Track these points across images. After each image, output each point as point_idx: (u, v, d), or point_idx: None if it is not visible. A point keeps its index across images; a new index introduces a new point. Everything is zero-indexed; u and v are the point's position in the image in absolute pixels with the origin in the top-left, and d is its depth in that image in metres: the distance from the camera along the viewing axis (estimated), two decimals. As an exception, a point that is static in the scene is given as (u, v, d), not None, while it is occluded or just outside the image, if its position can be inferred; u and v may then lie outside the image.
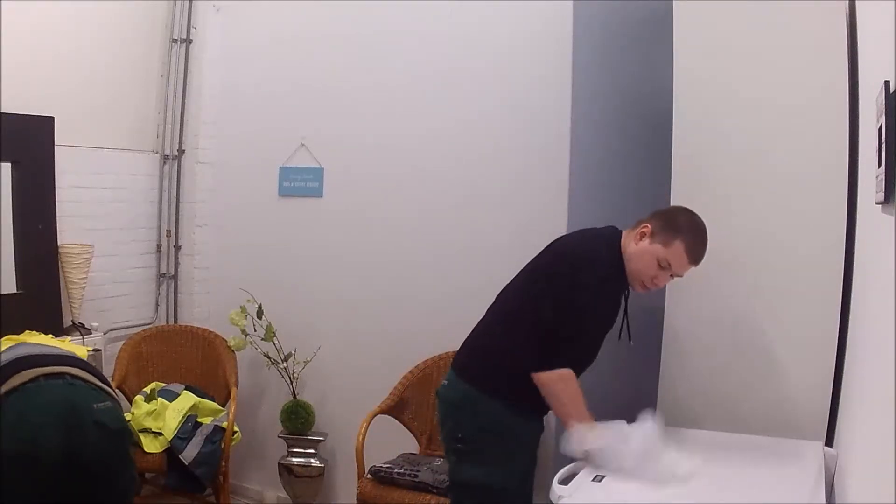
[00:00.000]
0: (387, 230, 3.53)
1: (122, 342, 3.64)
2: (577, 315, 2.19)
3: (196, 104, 3.92)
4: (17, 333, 2.89)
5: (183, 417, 3.27)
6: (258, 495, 3.88)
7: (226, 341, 3.65)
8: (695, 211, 2.28)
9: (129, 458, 2.50)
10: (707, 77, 2.55)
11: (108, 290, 3.70)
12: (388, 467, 2.98)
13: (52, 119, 3.32)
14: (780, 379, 2.44)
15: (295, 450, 3.59)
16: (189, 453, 3.19)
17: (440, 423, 2.44)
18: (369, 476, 3.02)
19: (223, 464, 3.33)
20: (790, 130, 2.44)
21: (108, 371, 3.43)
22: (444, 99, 3.39)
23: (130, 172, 3.82)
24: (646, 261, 2.22)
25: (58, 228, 3.36)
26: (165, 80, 3.93)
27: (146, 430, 3.23)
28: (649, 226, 2.23)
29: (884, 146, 1.44)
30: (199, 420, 3.33)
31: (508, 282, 2.41)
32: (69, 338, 3.24)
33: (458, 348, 2.44)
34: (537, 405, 2.23)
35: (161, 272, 3.96)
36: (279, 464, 3.60)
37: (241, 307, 3.57)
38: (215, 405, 3.45)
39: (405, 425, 3.30)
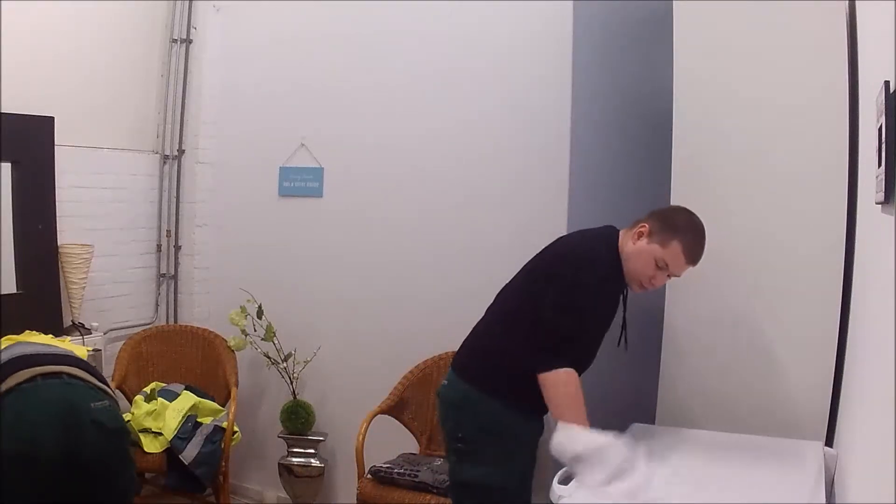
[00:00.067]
0: (387, 230, 3.53)
1: (122, 342, 3.64)
2: (577, 315, 2.18)
3: (196, 104, 3.92)
4: (17, 333, 2.89)
5: (183, 417, 3.27)
6: (258, 495, 3.88)
7: (226, 341, 3.65)
8: (694, 211, 2.27)
9: (128, 458, 2.49)
10: (707, 77, 2.55)
11: (108, 290, 3.70)
12: (388, 467, 2.98)
13: (52, 119, 3.32)
14: (780, 379, 2.44)
15: (295, 450, 3.59)
16: (189, 453, 3.19)
17: (441, 423, 2.44)
18: (369, 476, 3.02)
19: (223, 464, 3.33)
20: (790, 130, 2.44)
21: (108, 371, 3.43)
22: (444, 99, 3.39)
23: (130, 172, 3.82)
24: (643, 261, 2.21)
25: (58, 228, 3.36)
26: (165, 80, 3.93)
27: (146, 430, 3.23)
28: (647, 225, 2.23)
29: (884, 146, 1.44)
30: (199, 420, 3.33)
31: (508, 282, 2.41)
32: (69, 338, 3.24)
33: (458, 348, 2.44)
34: (537, 405, 2.23)
35: (161, 272, 3.96)
36: (279, 464, 3.60)
37: (241, 307, 3.57)
38: (215, 405, 3.45)
39: (405, 425, 3.30)
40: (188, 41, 3.91)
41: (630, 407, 2.73)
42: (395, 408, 3.24)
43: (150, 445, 3.18)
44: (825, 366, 2.36)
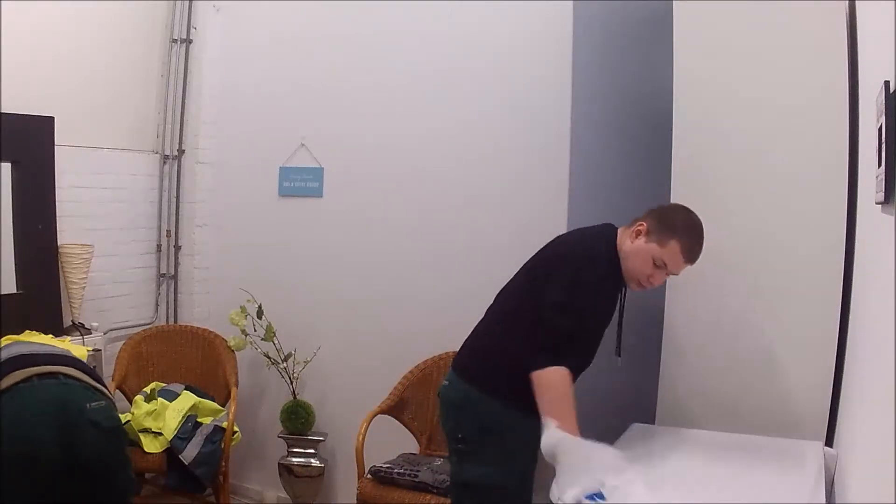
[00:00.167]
0: (387, 230, 3.53)
1: (122, 342, 3.64)
2: (577, 314, 2.18)
3: (196, 104, 3.92)
4: (17, 333, 2.89)
5: (183, 417, 3.27)
6: (258, 495, 3.88)
7: (226, 341, 3.65)
8: (694, 211, 2.27)
9: (126, 458, 2.49)
10: (707, 77, 2.55)
11: (108, 290, 3.70)
12: (388, 467, 2.98)
13: (52, 119, 3.32)
14: (780, 379, 2.44)
15: (295, 450, 3.59)
16: (189, 453, 3.19)
17: (441, 424, 2.44)
18: (369, 476, 3.02)
19: (223, 464, 3.33)
20: (790, 130, 2.44)
21: (108, 371, 3.43)
22: (444, 99, 3.39)
23: (130, 172, 3.82)
24: (641, 260, 2.21)
25: (58, 228, 3.36)
26: (165, 80, 3.93)
27: (146, 430, 3.23)
28: (645, 224, 2.22)
29: (884, 146, 1.44)
30: (199, 420, 3.33)
31: (507, 281, 2.41)
32: (69, 338, 3.24)
33: (458, 348, 2.43)
34: (537, 405, 2.22)
35: (161, 272, 3.96)
36: (279, 464, 3.60)
37: (241, 307, 3.57)
38: (215, 405, 3.45)
39: (405, 425, 3.30)
40: (188, 41, 3.91)
41: (630, 407, 2.73)
42: (395, 408, 3.24)
43: (150, 445, 3.18)
44: (825, 366, 2.36)
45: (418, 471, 2.93)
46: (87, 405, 2.33)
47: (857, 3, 2.33)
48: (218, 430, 3.31)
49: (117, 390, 3.39)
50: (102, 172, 3.65)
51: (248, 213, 3.88)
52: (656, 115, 2.77)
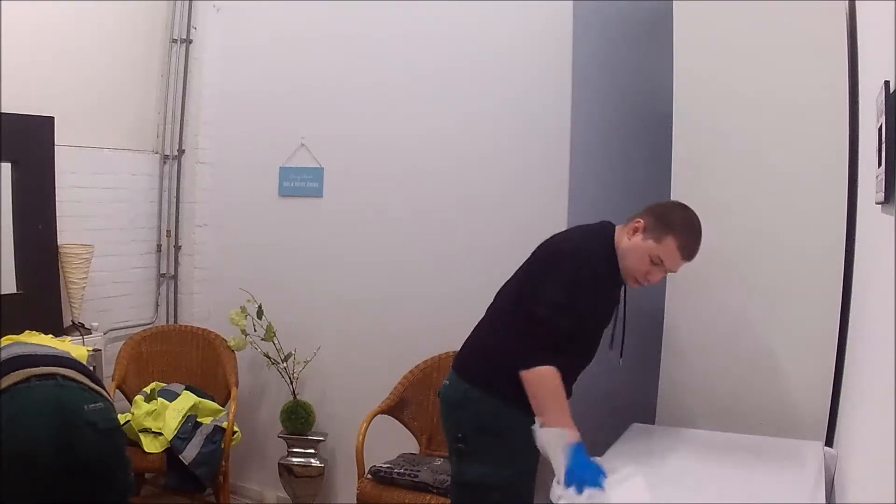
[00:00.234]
0: (387, 230, 3.53)
1: (122, 342, 3.64)
2: (577, 313, 2.18)
3: (196, 104, 3.92)
4: (17, 333, 2.89)
5: (183, 417, 3.27)
6: (258, 495, 3.88)
7: (226, 341, 3.65)
8: (694, 210, 2.27)
9: (125, 460, 2.48)
10: (707, 77, 2.55)
11: (108, 290, 3.70)
12: (388, 467, 2.98)
13: (52, 119, 3.32)
14: (780, 379, 2.44)
15: (295, 450, 3.59)
16: (189, 453, 3.19)
17: (442, 424, 2.44)
18: (369, 476, 3.01)
19: (223, 464, 3.33)
20: (790, 130, 2.44)
21: (108, 371, 3.43)
22: (444, 99, 3.39)
23: (130, 172, 3.82)
24: (638, 256, 2.20)
25: (58, 228, 3.37)
26: (165, 80, 3.93)
27: (146, 430, 3.23)
28: (642, 221, 2.21)
29: (884, 146, 1.44)
30: (199, 420, 3.33)
31: (506, 280, 2.41)
32: (69, 338, 3.24)
33: (458, 348, 2.43)
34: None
35: (161, 272, 3.96)
36: (279, 464, 3.60)
37: (241, 307, 3.57)
38: (215, 405, 3.45)
39: (405, 425, 3.30)
40: (188, 41, 3.91)
41: (630, 407, 2.73)
42: (395, 408, 3.24)
43: (150, 445, 3.18)
44: (825, 366, 2.35)
45: (418, 471, 2.93)
46: (86, 407, 2.33)
47: (857, 3, 2.33)
48: (218, 430, 3.31)
49: (117, 390, 3.39)
50: (102, 172, 3.66)
51: (247, 213, 3.88)
52: (656, 115, 2.77)
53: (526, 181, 3.21)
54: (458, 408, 2.33)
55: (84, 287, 3.43)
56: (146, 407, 3.30)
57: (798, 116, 2.42)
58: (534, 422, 2.19)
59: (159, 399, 3.34)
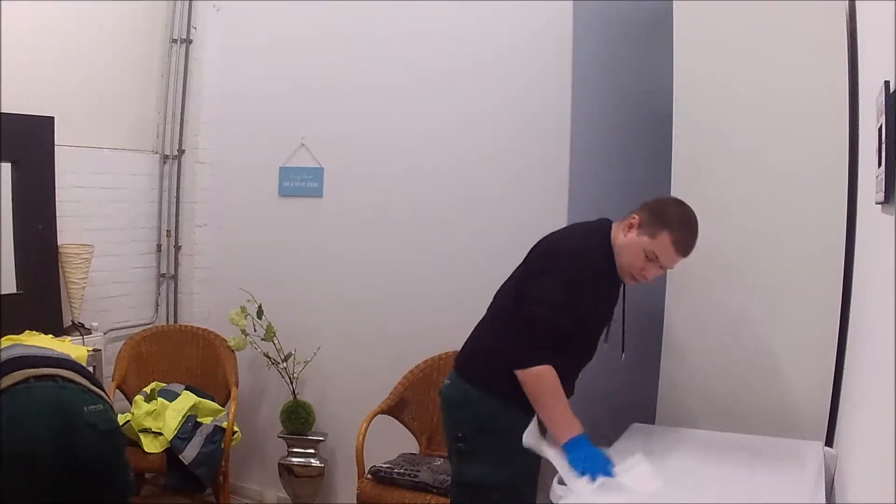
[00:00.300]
0: (387, 230, 3.53)
1: (122, 342, 3.64)
2: (576, 312, 2.18)
3: (196, 104, 3.92)
4: (17, 333, 2.89)
5: (183, 417, 3.27)
6: (258, 495, 3.88)
7: (226, 341, 3.65)
8: (694, 210, 2.27)
9: (124, 461, 2.48)
10: (707, 77, 2.55)
11: (108, 290, 3.70)
12: (388, 467, 2.98)
13: (52, 119, 3.32)
14: (780, 379, 2.44)
15: (295, 450, 3.59)
16: (189, 453, 3.19)
17: (442, 423, 2.44)
18: (369, 476, 3.01)
19: (223, 464, 3.34)
20: (790, 130, 2.44)
21: (108, 371, 3.43)
22: (444, 99, 3.39)
23: (130, 172, 3.82)
24: (633, 253, 2.19)
25: (58, 228, 3.37)
26: (165, 80, 3.93)
27: (146, 430, 3.23)
28: (637, 217, 2.21)
29: (884, 146, 1.44)
30: (199, 420, 3.33)
31: (505, 280, 2.40)
32: (69, 338, 3.24)
33: (458, 348, 2.43)
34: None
35: (161, 272, 3.96)
36: (279, 464, 3.60)
37: (241, 307, 3.57)
38: (215, 405, 3.45)
39: (405, 425, 3.30)
40: (188, 41, 3.91)
41: (630, 407, 2.73)
42: (395, 408, 3.24)
43: (150, 445, 3.18)
44: (825, 366, 2.35)
45: (418, 471, 2.93)
46: (85, 408, 2.33)
47: (857, 3, 2.33)
48: (218, 430, 3.31)
49: (117, 390, 3.39)
50: (102, 172, 3.66)
51: (247, 213, 3.89)
52: (656, 115, 2.77)
53: (526, 181, 3.22)
54: (459, 407, 2.33)
55: (84, 287, 3.43)
56: (146, 407, 3.30)
57: (798, 116, 2.41)
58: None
59: (159, 399, 3.34)
